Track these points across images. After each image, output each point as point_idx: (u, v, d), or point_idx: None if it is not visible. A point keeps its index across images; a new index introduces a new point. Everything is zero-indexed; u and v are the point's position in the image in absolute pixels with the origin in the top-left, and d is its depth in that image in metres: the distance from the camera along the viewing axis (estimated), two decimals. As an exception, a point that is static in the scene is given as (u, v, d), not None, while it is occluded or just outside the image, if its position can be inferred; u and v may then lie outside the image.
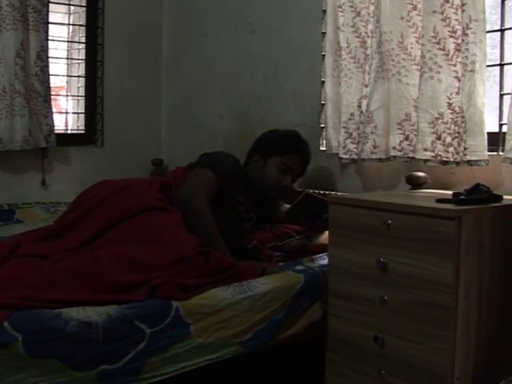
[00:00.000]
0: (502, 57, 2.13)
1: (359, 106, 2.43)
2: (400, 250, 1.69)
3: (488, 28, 2.06)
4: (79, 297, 1.62)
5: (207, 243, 2.03)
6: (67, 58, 3.47)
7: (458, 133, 2.09)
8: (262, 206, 2.47)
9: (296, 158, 2.42)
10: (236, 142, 3.01)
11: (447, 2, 2.07)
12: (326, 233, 2.13)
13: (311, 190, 2.52)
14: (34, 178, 3.13)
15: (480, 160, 2.05)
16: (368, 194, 2.34)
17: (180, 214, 2.08)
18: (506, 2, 2.11)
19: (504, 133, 2.05)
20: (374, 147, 2.33)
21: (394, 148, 2.29)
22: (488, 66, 2.07)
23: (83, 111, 3.43)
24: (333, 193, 2.50)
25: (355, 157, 2.44)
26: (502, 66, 2.13)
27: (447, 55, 2.09)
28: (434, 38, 2.10)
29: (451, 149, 2.10)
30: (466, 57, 2.03)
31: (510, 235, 1.71)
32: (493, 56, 2.13)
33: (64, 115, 3.48)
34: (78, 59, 3.44)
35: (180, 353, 1.66)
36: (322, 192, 2.58)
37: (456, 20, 2.07)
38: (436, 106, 2.12)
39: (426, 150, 2.15)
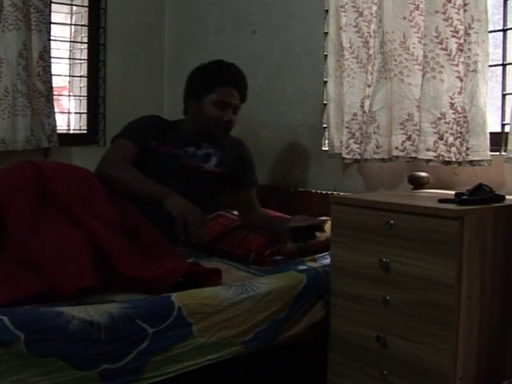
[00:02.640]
0: (504, 57, 2.12)
1: (362, 106, 2.43)
2: (402, 250, 1.69)
3: (490, 28, 2.05)
4: None
5: (138, 194, 2.06)
6: (69, 58, 3.47)
7: (461, 133, 2.09)
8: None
9: (230, 90, 2.32)
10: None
11: (449, 1, 2.07)
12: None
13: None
14: (37, 177, 3.13)
15: (482, 160, 2.05)
16: (370, 193, 2.34)
17: None
18: (508, 1, 2.11)
19: (506, 133, 2.05)
20: (377, 147, 2.33)
21: (397, 148, 2.29)
22: (490, 65, 2.06)
23: (85, 111, 3.43)
24: (335, 193, 2.50)
25: (358, 157, 2.44)
26: (504, 65, 2.13)
27: (449, 55, 2.09)
28: (437, 37, 2.10)
29: (453, 149, 2.10)
30: (469, 57, 2.03)
31: (513, 235, 1.71)
32: (495, 56, 2.12)
33: (66, 115, 3.49)
34: (81, 59, 3.44)
35: (182, 352, 1.66)
36: (323, 192, 2.58)
37: (458, 20, 2.06)
38: (438, 106, 2.12)
39: (428, 150, 2.15)
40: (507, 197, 1.79)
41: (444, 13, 2.08)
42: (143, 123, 2.35)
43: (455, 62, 2.08)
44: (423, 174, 2.18)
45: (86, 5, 3.39)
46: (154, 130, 2.33)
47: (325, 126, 2.70)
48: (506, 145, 2.03)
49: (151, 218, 2.03)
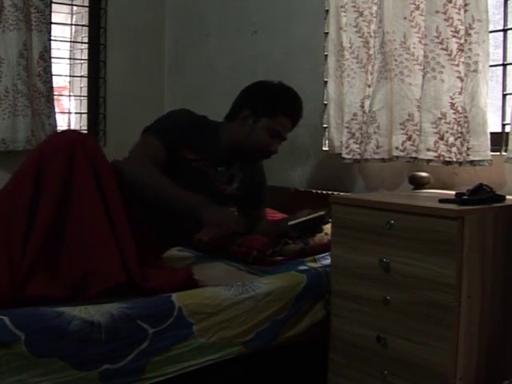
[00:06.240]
0: (504, 57, 2.13)
1: (362, 106, 2.43)
2: (403, 250, 1.69)
3: (491, 28, 2.05)
4: None
5: (169, 202, 1.98)
6: (70, 58, 3.48)
7: (461, 133, 2.09)
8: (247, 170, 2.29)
9: (288, 122, 2.20)
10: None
11: (450, 1, 2.07)
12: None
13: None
14: (37, 177, 3.13)
15: (483, 160, 2.05)
16: (371, 194, 2.34)
17: None
18: (508, 1, 2.11)
19: (507, 133, 2.05)
20: (377, 147, 2.33)
21: (397, 148, 2.29)
22: (491, 66, 2.07)
23: (86, 111, 3.44)
24: (335, 193, 2.49)
25: (358, 157, 2.44)
26: (504, 66, 2.13)
27: (450, 55, 2.09)
28: (437, 38, 2.10)
29: (454, 149, 2.10)
30: (469, 57, 2.03)
31: (513, 235, 1.71)
32: (496, 56, 2.13)
33: (67, 115, 3.49)
34: (81, 59, 3.45)
35: (183, 353, 1.66)
36: (324, 192, 2.58)
37: (459, 20, 2.06)
38: (439, 106, 2.12)
39: (428, 150, 2.15)
40: (508, 197, 1.79)
41: (444, 13, 2.08)
42: (182, 127, 2.13)
43: (456, 62, 2.08)
44: (423, 174, 2.18)
45: (87, 5, 3.40)
46: (192, 138, 2.12)
47: (325, 126, 2.70)
48: (506, 145, 2.03)
49: (159, 219, 2.03)
